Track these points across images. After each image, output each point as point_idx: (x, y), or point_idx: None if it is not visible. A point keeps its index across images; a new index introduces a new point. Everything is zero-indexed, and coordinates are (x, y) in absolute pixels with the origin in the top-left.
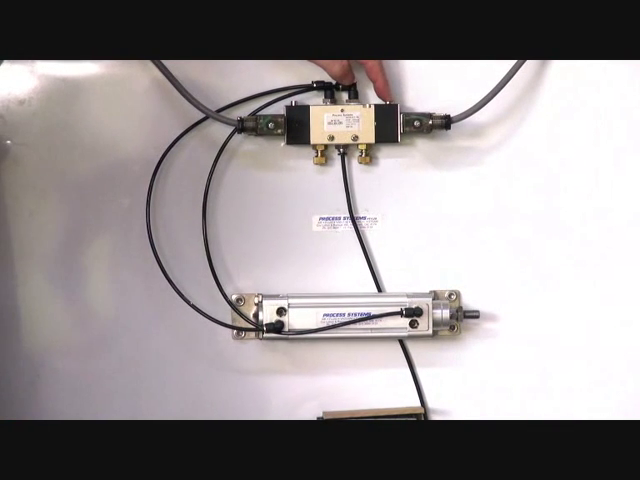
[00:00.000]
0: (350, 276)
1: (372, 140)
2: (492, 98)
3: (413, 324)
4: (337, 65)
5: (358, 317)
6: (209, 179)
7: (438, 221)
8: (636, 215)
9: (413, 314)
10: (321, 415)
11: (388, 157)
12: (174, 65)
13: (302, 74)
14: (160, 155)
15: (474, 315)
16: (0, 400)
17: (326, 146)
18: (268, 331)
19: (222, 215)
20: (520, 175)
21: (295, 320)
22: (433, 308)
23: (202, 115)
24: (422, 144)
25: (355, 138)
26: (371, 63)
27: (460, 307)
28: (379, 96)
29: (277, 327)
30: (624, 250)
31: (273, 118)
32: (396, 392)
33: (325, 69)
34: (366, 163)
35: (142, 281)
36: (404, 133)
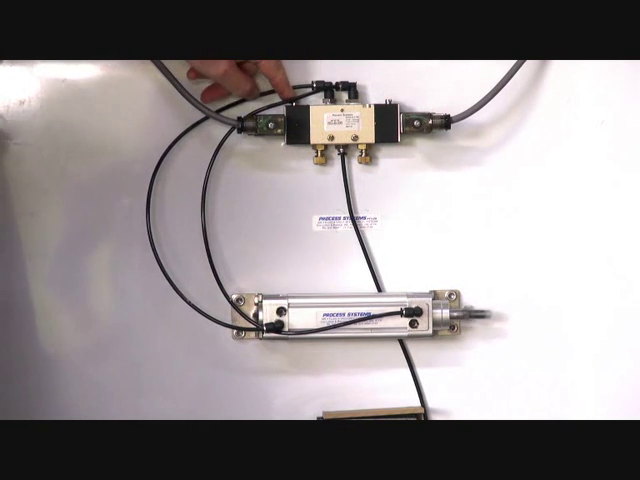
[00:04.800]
0: (350, 276)
1: (372, 140)
2: (492, 98)
3: (413, 324)
4: (221, 66)
5: (358, 317)
6: (206, 179)
7: (438, 221)
8: (638, 215)
9: (413, 314)
10: (321, 415)
11: (388, 157)
12: (174, 66)
13: (302, 74)
14: (160, 154)
15: (483, 315)
16: (4, 400)
17: (326, 146)
18: (268, 331)
19: (222, 215)
20: (520, 175)
21: (295, 320)
22: (433, 308)
23: (202, 115)
24: (422, 144)
25: (355, 138)
26: (264, 61)
27: (469, 307)
28: (278, 94)
29: (277, 327)
30: (625, 249)
31: (273, 118)
32: (396, 392)
33: (206, 73)
34: (366, 163)
35: (143, 281)
36: (404, 133)
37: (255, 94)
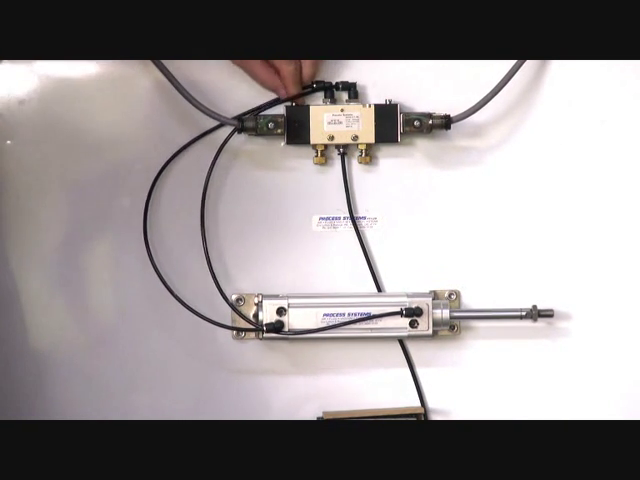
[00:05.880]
0: (350, 276)
1: (372, 140)
2: (492, 98)
3: (413, 324)
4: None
5: (358, 317)
6: (207, 179)
7: (438, 221)
8: (636, 216)
9: (413, 314)
10: (321, 415)
11: (388, 157)
12: (175, 66)
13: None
14: (160, 154)
15: (548, 314)
16: (0, 400)
17: (326, 146)
18: (268, 331)
19: (222, 215)
20: (520, 175)
21: (295, 320)
22: (433, 308)
23: (203, 115)
24: (422, 144)
25: (355, 138)
26: (245, 63)
27: (534, 306)
28: (284, 88)
29: (277, 327)
30: (623, 250)
31: (273, 118)
32: (396, 392)
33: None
34: (366, 163)
35: (141, 282)
36: (404, 133)
37: (280, 92)
